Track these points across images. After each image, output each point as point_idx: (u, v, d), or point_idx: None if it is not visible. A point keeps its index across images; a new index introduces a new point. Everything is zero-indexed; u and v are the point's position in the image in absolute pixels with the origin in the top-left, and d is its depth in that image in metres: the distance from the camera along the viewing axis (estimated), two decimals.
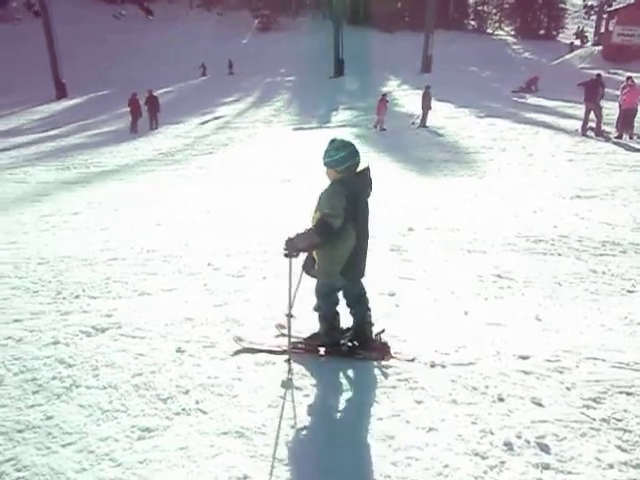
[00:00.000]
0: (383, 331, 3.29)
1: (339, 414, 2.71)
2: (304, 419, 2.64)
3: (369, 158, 12.38)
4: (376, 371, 3.06)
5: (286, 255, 2.91)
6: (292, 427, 2.59)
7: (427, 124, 16.46)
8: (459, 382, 2.96)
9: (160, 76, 32.14)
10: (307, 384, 2.94)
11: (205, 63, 34.68)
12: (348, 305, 3.26)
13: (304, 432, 2.55)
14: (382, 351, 3.24)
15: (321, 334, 3.32)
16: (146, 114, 19.67)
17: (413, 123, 16.88)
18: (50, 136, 18.63)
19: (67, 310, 3.90)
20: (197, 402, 2.76)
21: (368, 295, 3.25)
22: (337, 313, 3.28)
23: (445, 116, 17.97)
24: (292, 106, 24.83)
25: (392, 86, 27.23)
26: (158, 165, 12.81)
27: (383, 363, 3.13)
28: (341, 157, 2.93)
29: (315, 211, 3.00)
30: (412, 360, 3.19)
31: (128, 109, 19.78)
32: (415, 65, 31.30)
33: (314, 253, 3.06)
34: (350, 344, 3.30)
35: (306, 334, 3.39)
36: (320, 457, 2.37)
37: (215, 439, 2.48)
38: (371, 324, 3.29)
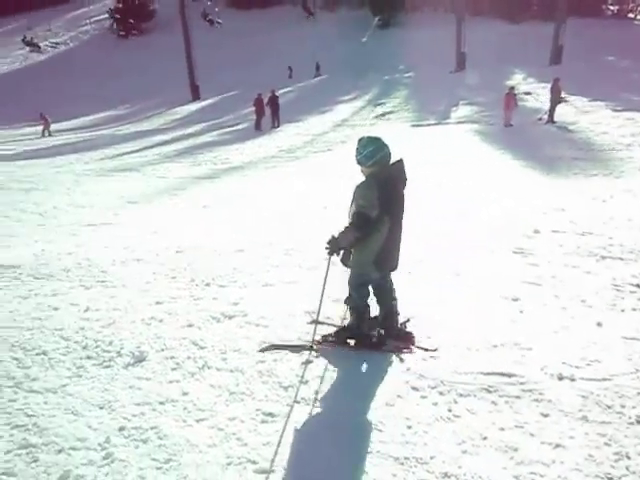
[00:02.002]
0: (408, 320, 3.38)
1: (460, 420, 2.65)
2: (421, 421, 2.62)
3: (490, 156, 11.86)
4: (499, 379, 2.94)
5: (329, 253, 3.03)
6: (409, 428, 2.58)
7: (555, 119, 15.33)
8: (590, 398, 2.75)
9: (281, 77, 33.39)
10: (424, 385, 2.91)
11: (291, 66, 35.26)
12: (376, 295, 3.32)
13: (419, 434, 2.53)
14: (407, 341, 3.30)
15: (352, 326, 3.34)
16: (269, 113, 20.62)
17: (540, 119, 15.83)
18: (185, 135, 20.26)
19: (199, 296, 4.23)
20: (316, 393, 2.86)
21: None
22: (368, 305, 3.30)
23: (576, 111, 16.61)
24: (410, 103, 24.46)
25: (517, 79, 25.71)
26: (279, 162, 13.37)
27: (506, 372, 3.00)
28: (369, 152, 3.03)
29: (351, 204, 3.10)
30: (435, 350, 3.22)
31: (253, 108, 20.87)
32: (543, 57, 29.20)
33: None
34: (378, 334, 3.32)
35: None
36: (442, 461, 2.34)
37: (330, 430, 2.55)
38: (397, 313, 3.35)
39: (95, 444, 2.47)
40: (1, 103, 33.37)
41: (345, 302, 3.35)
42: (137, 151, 16.74)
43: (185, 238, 5.99)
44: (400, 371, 3.05)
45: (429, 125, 18.51)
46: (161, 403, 2.79)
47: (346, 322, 3.44)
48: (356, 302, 3.28)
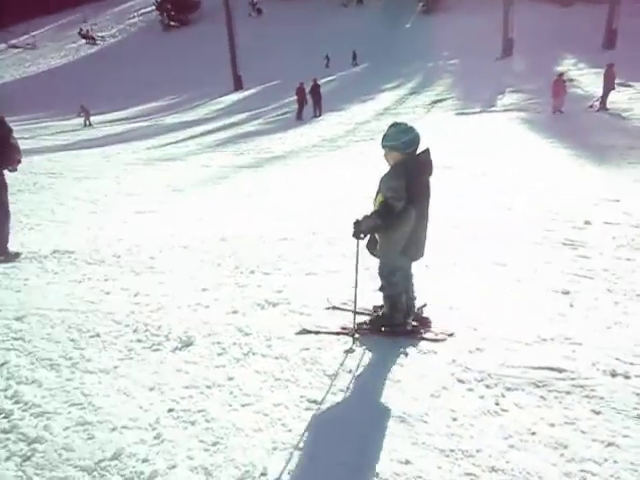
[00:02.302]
0: (425, 305, 3.45)
1: (507, 415, 2.60)
2: (467, 414, 2.58)
3: (538, 144, 11.48)
4: (548, 374, 2.86)
5: (354, 236, 3.05)
6: (454, 420, 2.55)
7: (608, 106, 14.69)
8: None
9: (318, 66, 33.26)
10: (470, 378, 2.87)
11: (329, 54, 34.89)
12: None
13: (465, 427, 2.50)
14: (424, 325, 3.36)
15: (386, 315, 3.36)
16: (311, 102, 20.62)
17: (591, 106, 15.21)
18: (228, 124, 20.53)
19: (244, 283, 4.30)
20: (359, 381, 2.86)
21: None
22: (401, 294, 3.30)
23: (631, 97, 15.87)
24: (455, 90, 23.95)
25: (567, 65, 24.75)
26: (321, 151, 13.37)
27: (555, 366, 2.92)
28: (409, 139, 3.02)
29: (377, 195, 3.09)
30: (451, 335, 3.25)
31: (295, 98, 20.92)
32: (595, 41, 27.95)
33: (376, 234, 3.20)
34: (415, 323, 3.36)
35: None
36: (489, 455, 2.31)
37: (379, 421, 2.55)
38: (414, 298, 3.42)
39: (146, 424, 2.55)
40: (55, 95, 34.68)
41: (380, 290, 3.37)
42: (181, 141, 17.08)
43: (229, 226, 6.09)
44: (445, 363, 3.01)
45: (474, 113, 18.07)
46: (208, 387, 2.85)
47: (381, 311, 3.44)
48: (388, 291, 3.30)
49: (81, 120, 25.12)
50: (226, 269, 4.64)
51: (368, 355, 3.13)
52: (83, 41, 50.05)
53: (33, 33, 57.75)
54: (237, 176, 10.43)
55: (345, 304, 3.74)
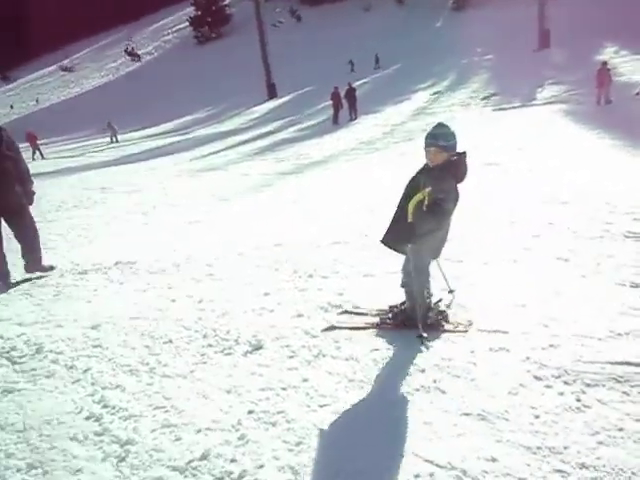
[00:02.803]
0: (441, 300, 3.56)
1: (590, 411, 2.54)
2: (549, 411, 2.54)
3: (585, 137, 11.17)
4: (628, 369, 2.78)
5: (410, 241, 3.12)
6: (536, 417, 2.51)
7: None
8: None
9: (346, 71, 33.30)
10: (547, 374, 2.82)
11: (353, 60, 34.77)
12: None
13: (548, 424, 2.46)
14: (443, 318, 3.42)
15: (408, 309, 3.42)
16: (346, 106, 20.69)
17: (638, 94, 14.71)
18: (265, 133, 20.82)
19: (304, 287, 4.35)
20: (434, 381, 2.85)
21: None
22: (423, 289, 3.35)
23: None
24: (491, 86, 23.59)
25: (608, 53, 23.99)
26: (359, 154, 13.39)
27: (635, 361, 2.84)
28: (456, 142, 3.12)
29: (411, 194, 3.13)
30: (470, 325, 3.32)
31: (330, 102, 21.03)
32: (638, 27, 26.99)
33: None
34: (436, 317, 3.40)
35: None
36: (577, 452, 2.27)
37: (457, 419, 2.54)
38: (432, 294, 3.53)
39: (229, 426, 2.62)
40: (98, 113, 35.91)
41: (401, 286, 3.44)
42: (221, 151, 17.42)
43: (280, 232, 6.17)
44: (519, 360, 2.97)
45: (514, 108, 17.74)
46: (283, 389, 2.90)
47: (404, 306, 3.51)
48: (415, 287, 3.32)
49: (108, 137, 26.13)
50: (284, 274, 4.71)
51: (436, 353, 3.12)
52: (122, 60, 51.98)
53: (76, 55, 60.25)
54: (279, 183, 10.55)
55: (357, 307, 3.82)
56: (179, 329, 3.74)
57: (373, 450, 2.37)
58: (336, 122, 20.43)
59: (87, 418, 2.78)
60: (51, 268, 5.42)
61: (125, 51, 52.11)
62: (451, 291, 3.75)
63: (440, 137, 3.10)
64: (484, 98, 20.93)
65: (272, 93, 31.67)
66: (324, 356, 3.21)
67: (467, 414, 2.58)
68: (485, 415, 2.55)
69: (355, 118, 20.72)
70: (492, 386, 2.77)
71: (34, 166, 19.83)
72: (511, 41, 30.78)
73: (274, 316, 3.81)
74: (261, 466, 2.33)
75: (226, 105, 31.92)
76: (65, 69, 57.19)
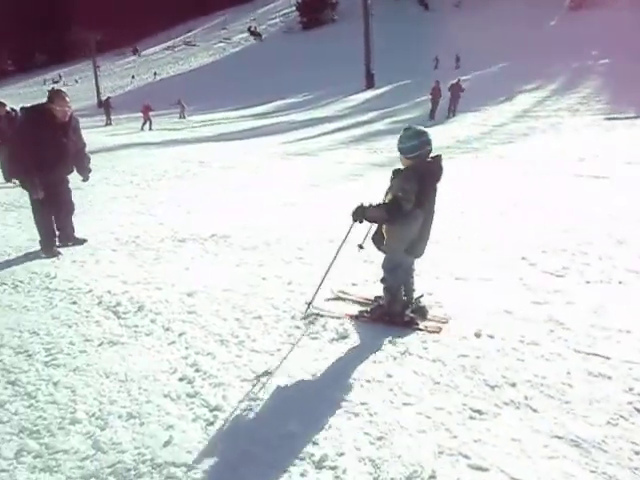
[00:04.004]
0: (422, 296, 3.67)
1: None
2: None
3: None
4: None
5: (353, 216, 3.24)
6: (636, 454, 2.33)
7: None
8: None
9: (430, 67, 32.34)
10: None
11: (438, 56, 33.33)
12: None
13: None
14: (420, 314, 3.54)
15: (385, 305, 3.57)
16: (442, 101, 20.13)
17: None
18: (360, 122, 20.76)
19: None
20: (526, 398, 2.73)
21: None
22: (401, 286, 3.55)
23: None
24: (604, 93, 22.02)
25: None
26: (455, 152, 12.97)
27: None
28: (412, 145, 3.18)
29: (386, 194, 3.30)
30: (445, 323, 3.47)
31: (429, 97, 20.55)
32: None
33: (383, 230, 3.43)
34: (412, 315, 3.53)
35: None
36: None
37: (549, 441, 2.42)
38: (413, 290, 3.68)
39: (312, 409, 2.66)
40: (202, 90, 37.54)
41: (380, 281, 3.59)
42: (314, 137, 17.57)
43: (368, 225, 6.13)
44: (621, 389, 2.77)
45: (627, 118, 16.45)
46: (367, 381, 2.90)
47: (382, 301, 3.64)
48: (389, 283, 3.52)
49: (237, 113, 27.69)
50: (373, 267, 4.68)
51: (529, 369, 2.98)
52: (228, 41, 54.02)
53: (189, 34, 63.40)
54: (371, 174, 10.47)
55: (346, 293, 4.02)
56: (268, 307, 3.85)
57: (456, 460, 2.31)
58: (432, 118, 19.94)
59: (180, 379, 2.94)
60: (84, 241, 5.60)
61: (248, 30, 54.34)
62: (421, 296, 3.73)
63: (398, 141, 3.28)
64: (571, 105, 19.60)
65: (370, 83, 31.48)
66: (410, 354, 3.17)
67: (559, 437, 2.44)
68: (579, 442, 2.40)
69: (454, 115, 20.12)
70: (589, 412, 2.60)
71: (142, 136, 21.15)
72: (632, 45, 28.45)
73: (361, 307, 3.80)
74: (341, 454, 2.34)
75: (323, 92, 32.14)
76: (187, 43, 60.61)
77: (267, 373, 2.97)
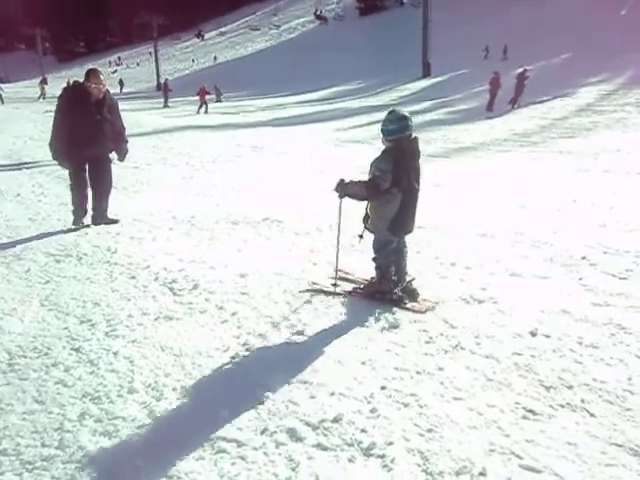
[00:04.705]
0: (413, 279, 3.78)
1: None
2: None
3: None
4: None
5: (335, 191, 3.49)
6: None
7: None
8: None
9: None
10: None
11: (488, 47, 31.89)
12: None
13: None
14: (411, 295, 3.67)
15: (375, 282, 3.75)
16: (501, 93, 19.46)
17: None
18: (414, 111, 20.36)
19: (445, 275, 4.24)
20: (583, 401, 2.63)
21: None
22: (390, 265, 3.69)
23: None
24: None
25: None
26: (513, 146, 12.59)
27: None
28: (392, 129, 3.37)
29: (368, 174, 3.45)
30: (434, 307, 3.58)
31: (487, 87, 19.93)
32: None
33: (368, 210, 3.65)
34: (400, 293, 3.66)
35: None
36: None
37: (607, 447, 2.32)
38: (406, 273, 3.78)
39: (361, 396, 2.66)
40: (258, 75, 37.84)
41: (372, 261, 3.75)
42: (366, 125, 17.40)
43: (422, 214, 6.01)
44: None
45: None
46: (418, 373, 2.87)
47: (373, 279, 3.81)
48: (379, 262, 3.69)
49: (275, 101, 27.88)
50: (425, 258, 4.62)
51: (587, 372, 2.87)
52: (285, 27, 54.18)
53: (246, 18, 64.01)
54: (425, 164, 10.28)
55: (348, 273, 4.13)
56: (319, 293, 3.86)
57: (508, 459, 2.26)
58: (490, 109, 19.32)
59: (232, 357, 3.00)
60: (116, 221, 5.70)
61: (314, 14, 54.52)
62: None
63: (382, 123, 3.44)
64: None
65: (426, 72, 30.86)
66: (463, 349, 3.11)
67: (618, 445, 2.35)
68: (638, 450, 2.30)
69: (515, 107, 19.44)
70: None
71: (198, 119, 21.58)
72: None
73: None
74: (390, 443, 2.34)
75: (378, 79, 31.75)
76: (251, 28, 61.32)
77: (316, 356, 3.00)
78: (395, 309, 3.57)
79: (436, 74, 30.92)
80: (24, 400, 2.60)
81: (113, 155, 5.65)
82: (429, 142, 13.33)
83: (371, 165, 3.44)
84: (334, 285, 3.76)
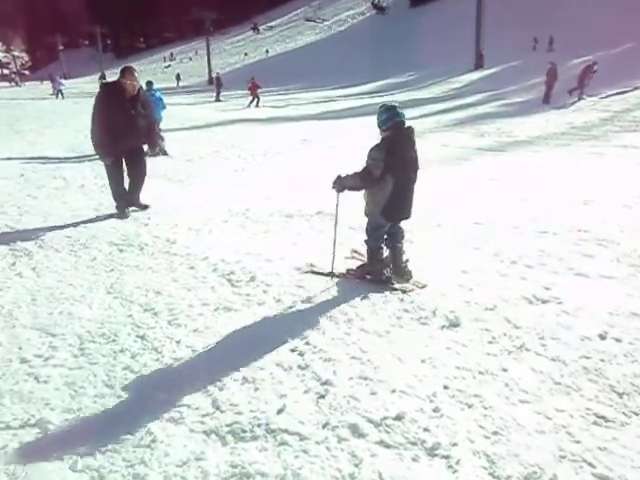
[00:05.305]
0: (407, 261, 3.94)
1: None
2: None
3: None
4: None
5: (333, 187, 3.73)
6: None
7: None
8: None
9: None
10: None
11: (537, 37, 30.33)
12: (387, 239, 3.94)
13: None
14: (407, 276, 3.88)
15: (367, 264, 4.00)
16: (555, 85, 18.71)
17: None
18: (465, 104, 19.94)
19: (505, 273, 4.11)
20: None
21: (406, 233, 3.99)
22: (380, 248, 3.92)
23: None
24: None
25: None
26: (572, 139, 12.08)
27: None
28: (384, 119, 3.60)
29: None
30: (423, 287, 3.81)
31: (544, 79, 19.22)
32: None
33: (364, 196, 3.81)
34: (389, 274, 3.92)
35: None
36: None
37: None
38: (402, 254, 3.94)
39: (423, 395, 2.61)
40: (306, 69, 37.88)
41: (364, 243, 3.96)
42: (418, 118, 17.11)
43: (480, 209, 5.90)
44: None
45: None
46: (481, 373, 2.80)
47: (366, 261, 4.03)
48: (370, 244, 3.91)
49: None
50: (484, 254, 4.50)
51: None
52: (336, 18, 54.08)
53: (297, 11, 64.18)
54: (479, 159, 10.04)
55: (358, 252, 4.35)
56: (376, 288, 3.83)
57: (580, 467, 2.17)
58: (547, 102, 18.63)
59: (292, 350, 3.02)
60: (146, 207, 6.08)
61: (372, 3, 54.13)
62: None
63: (376, 118, 3.67)
64: None
65: (479, 63, 30.02)
66: (527, 350, 3.01)
67: None
68: None
69: (579, 99, 18.61)
70: None
71: (248, 112, 21.81)
72: None
73: (473, 296, 3.68)
74: (455, 444, 2.29)
75: (429, 71, 31.12)
76: (307, 19, 61.36)
77: (375, 352, 2.97)
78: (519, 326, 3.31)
79: (488, 65, 30.05)
80: (95, 384, 2.70)
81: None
82: (482, 135, 13.00)
83: (367, 154, 3.64)
84: (331, 273, 4.01)
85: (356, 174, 3.62)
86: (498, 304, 3.55)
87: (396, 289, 3.78)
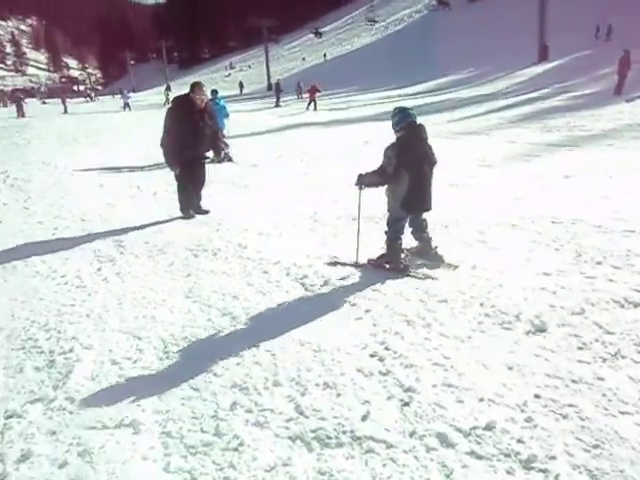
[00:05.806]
0: (437, 247, 4.23)
1: None
2: None
3: None
4: None
5: (356, 185, 4.08)
6: None
7: None
8: None
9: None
10: None
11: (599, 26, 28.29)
12: (412, 229, 4.27)
13: None
14: (438, 261, 4.18)
15: (386, 254, 4.21)
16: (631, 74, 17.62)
17: None
18: (531, 98, 19.20)
19: (591, 274, 3.89)
20: None
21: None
22: (399, 238, 4.16)
23: None
24: None
25: None
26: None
27: None
28: (397, 120, 3.97)
29: None
30: (457, 267, 4.09)
31: (616, 68, 18.19)
32: None
33: (385, 192, 4.11)
34: (407, 263, 4.16)
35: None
36: None
37: None
38: (430, 240, 4.25)
39: (513, 404, 2.50)
40: (364, 71, 37.76)
41: (384, 234, 4.21)
42: (481, 115, 16.65)
43: (556, 208, 5.62)
44: None
45: None
46: (574, 381, 2.64)
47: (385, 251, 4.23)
48: (389, 235, 4.16)
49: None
50: (566, 255, 4.28)
51: None
52: (392, 18, 53.71)
53: (354, 13, 64.30)
54: (549, 155, 9.62)
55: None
56: (453, 290, 3.72)
57: None
58: (619, 92, 17.61)
59: (371, 356, 2.98)
60: (208, 211, 6.34)
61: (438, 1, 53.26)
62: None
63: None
64: None
65: (543, 56, 28.82)
66: (623, 357, 2.83)
67: None
68: None
69: None
70: None
71: (307, 116, 21.99)
72: None
73: (557, 299, 3.50)
74: (552, 457, 2.17)
75: (490, 66, 30.22)
76: (369, 20, 61.13)
77: (459, 358, 2.88)
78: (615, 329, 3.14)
79: (553, 57, 28.80)
80: (182, 387, 2.77)
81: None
82: (550, 130, 12.46)
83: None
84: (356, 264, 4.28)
85: (374, 172, 3.96)
86: (586, 308, 3.36)
87: (412, 276, 4.02)
